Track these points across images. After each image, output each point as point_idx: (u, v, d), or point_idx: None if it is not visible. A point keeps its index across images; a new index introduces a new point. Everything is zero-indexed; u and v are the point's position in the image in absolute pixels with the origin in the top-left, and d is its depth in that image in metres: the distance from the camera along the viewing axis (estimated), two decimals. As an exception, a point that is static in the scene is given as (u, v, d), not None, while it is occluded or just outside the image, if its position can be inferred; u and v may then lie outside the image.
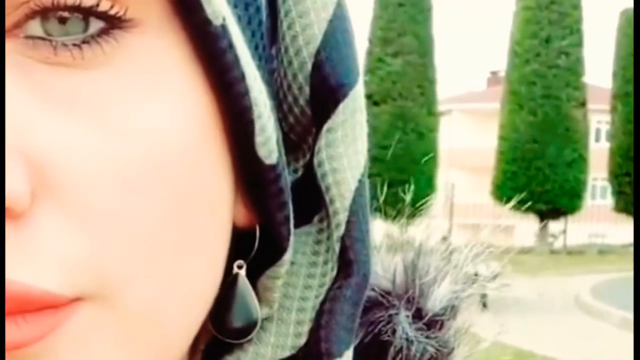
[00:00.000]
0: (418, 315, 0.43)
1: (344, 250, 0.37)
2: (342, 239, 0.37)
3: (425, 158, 19.26)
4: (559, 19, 22.12)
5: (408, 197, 0.49)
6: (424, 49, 21.84)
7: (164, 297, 0.32)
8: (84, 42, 0.30)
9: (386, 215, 0.48)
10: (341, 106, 0.37)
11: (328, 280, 0.38)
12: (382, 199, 0.47)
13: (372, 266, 0.38)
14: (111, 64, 0.31)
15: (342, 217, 0.37)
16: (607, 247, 23.44)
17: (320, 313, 0.37)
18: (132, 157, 0.30)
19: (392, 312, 0.43)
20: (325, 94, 0.37)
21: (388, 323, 0.43)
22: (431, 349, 0.43)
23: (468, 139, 31.95)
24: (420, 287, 0.44)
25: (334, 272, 0.38)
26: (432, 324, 0.44)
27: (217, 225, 0.34)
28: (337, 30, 0.37)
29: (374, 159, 0.40)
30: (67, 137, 0.30)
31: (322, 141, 0.37)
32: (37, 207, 0.29)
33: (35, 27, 0.30)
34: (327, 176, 0.37)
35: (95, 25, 0.30)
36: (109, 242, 0.30)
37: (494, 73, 36.77)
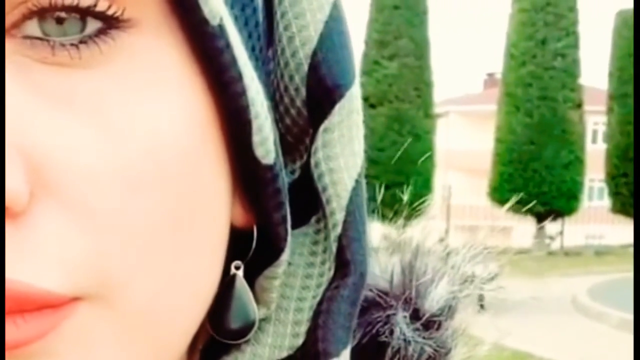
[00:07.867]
0: (415, 315, 0.44)
1: (340, 250, 0.37)
2: (339, 238, 0.37)
3: (422, 158, 19.26)
4: (554, 20, 22.12)
5: (405, 197, 0.49)
6: (420, 51, 21.84)
7: (163, 296, 0.32)
8: (81, 42, 0.30)
9: (383, 217, 0.48)
10: (337, 107, 0.37)
11: (325, 281, 0.38)
12: (379, 200, 0.47)
13: (368, 265, 0.38)
14: (109, 64, 0.31)
15: (339, 217, 0.37)
16: (605, 248, 23.41)
17: (317, 313, 0.37)
18: (131, 156, 0.30)
19: (389, 312, 0.43)
20: (322, 94, 0.37)
21: (385, 324, 0.43)
22: (429, 350, 0.43)
23: (465, 140, 31.97)
24: (417, 287, 0.44)
25: (331, 272, 0.38)
26: (429, 324, 0.44)
27: (215, 224, 0.35)
28: (333, 31, 0.37)
29: (370, 161, 0.40)
30: (66, 136, 0.30)
31: (318, 141, 0.37)
32: (36, 206, 0.29)
33: (32, 27, 0.30)
34: (324, 176, 0.37)
35: (93, 25, 0.30)
36: (108, 242, 0.30)
37: (490, 75, 36.77)
